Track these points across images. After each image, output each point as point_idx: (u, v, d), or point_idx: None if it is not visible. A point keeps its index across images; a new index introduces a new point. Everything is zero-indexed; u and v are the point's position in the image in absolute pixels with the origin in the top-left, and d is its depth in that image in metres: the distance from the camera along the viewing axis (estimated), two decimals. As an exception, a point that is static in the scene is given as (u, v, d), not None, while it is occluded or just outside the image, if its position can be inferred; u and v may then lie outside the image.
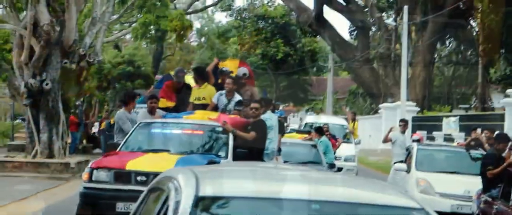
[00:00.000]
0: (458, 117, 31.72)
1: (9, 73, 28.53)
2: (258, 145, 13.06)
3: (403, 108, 35.55)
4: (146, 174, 11.11)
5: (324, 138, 19.41)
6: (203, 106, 14.75)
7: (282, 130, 16.68)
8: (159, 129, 13.50)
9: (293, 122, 48.65)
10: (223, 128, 13.09)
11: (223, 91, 14.88)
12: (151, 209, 5.28)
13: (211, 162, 10.89)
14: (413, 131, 32.16)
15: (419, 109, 40.30)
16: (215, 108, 14.75)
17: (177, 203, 4.55)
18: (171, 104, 15.14)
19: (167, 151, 12.52)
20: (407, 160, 17.49)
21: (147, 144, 13.04)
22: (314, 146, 18.94)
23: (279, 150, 17.08)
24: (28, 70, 23.82)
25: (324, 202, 4.62)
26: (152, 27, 33.12)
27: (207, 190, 4.65)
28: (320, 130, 19.89)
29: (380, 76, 47.18)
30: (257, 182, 5.05)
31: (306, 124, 30.14)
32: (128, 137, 13.09)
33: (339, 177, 5.84)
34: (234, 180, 5.15)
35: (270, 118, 14.22)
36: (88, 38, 26.11)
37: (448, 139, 30.61)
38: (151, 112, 14.21)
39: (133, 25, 36.23)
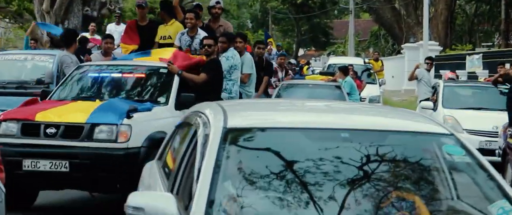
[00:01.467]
0: (481, 54, 31.45)
1: (30, 23, 28.59)
2: (210, 88, 11.20)
3: (426, 47, 35.25)
4: (57, 126, 9.41)
5: (348, 78, 18.94)
6: (170, 47, 12.70)
7: (268, 71, 15.77)
8: (96, 73, 11.54)
9: (317, 66, 48.46)
10: (167, 69, 11.13)
11: (185, 30, 12.81)
12: (180, 145, 5.30)
13: (132, 110, 9.52)
14: (436, 70, 31.93)
15: (441, 48, 40.01)
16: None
17: (206, 137, 4.56)
18: (134, 47, 13.18)
19: (98, 97, 10.75)
20: (433, 97, 17.37)
21: (79, 91, 11.22)
22: (338, 87, 18.17)
23: (266, 93, 16.53)
24: (49, 18, 23.86)
25: (354, 131, 4.61)
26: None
27: (235, 122, 4.65)
28: (345, 70, 19.30)
29: (402, 16, 46.79)
30: (284, 114, 5.04)
31: (329, 65, 29.65)
32: (62, 83, 11.43)
33: (368, 107, 5.80)
34: (261, 112, 5.14)
35: (232, 56, 12.41)
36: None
37: (472, 76, 30.38)
38: (106, 53, 12.62)
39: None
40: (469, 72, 31.56)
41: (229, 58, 12.35)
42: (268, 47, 26.71)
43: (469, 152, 4.60)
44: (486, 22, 50.41)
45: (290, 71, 20.72)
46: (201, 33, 12.53)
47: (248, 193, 4.20)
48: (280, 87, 17.62)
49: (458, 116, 15.78)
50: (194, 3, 14.62)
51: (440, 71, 30.95)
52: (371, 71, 27.93)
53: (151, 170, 6.03)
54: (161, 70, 11.21)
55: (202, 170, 4.22)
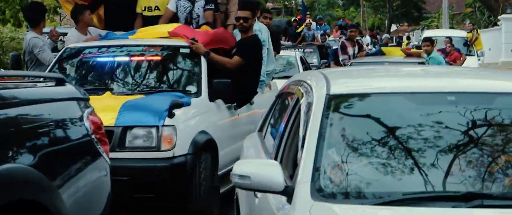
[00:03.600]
0: None
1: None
2: (246, 74, 9.17)
3: (524, 17, 34.53)
4: None
5: (435, 54, 16.09)
6: (157, 20, 10.12)
7: (277, 47, 12.26)
8: (94, 56, 9.14)
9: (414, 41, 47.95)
10: (191, 49, 8.89)
11: None
12: (282, 114, 5.30)
13: (174, 106, 7.55)
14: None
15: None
16: (173, 19, 10.11)
17: (309, 104, 4.55)
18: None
19: (109, 89, 8.55)
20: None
21: (80, 80, 8.84)
22: (423, 64, 14.91)
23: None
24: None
25: (460, 94, 4.53)
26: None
27: (338, 89, 4.63)
28: (430, 42, 16.34)
29: (498, -14, 45.78)
30: (388, 79, 4.99)
31: (425, 38, 28.80)
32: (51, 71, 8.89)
33: (470, 70, 5.70)
34: (364, 78, 5.10)
35: (259, 30, 9.86)
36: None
37: None
38: (82, 29, 9.88)
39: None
40: None
41: (256, 31, 9.71)
42: (307, 21, 26.39)
43: None
44: None
45: (364, 46, 19.21)
46: None
47: (353, 159, 4.17)
48: (349, 66, 14.85)
49: None
50: None
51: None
52: (469, 43, 27.40)
53: (252, 141, 6.04)
54: (182, 50, 8.98)
55: (306, 138, 4.21)
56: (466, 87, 4.62)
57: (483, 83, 4.80)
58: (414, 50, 17.55)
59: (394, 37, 50.65)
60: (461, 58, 20.37)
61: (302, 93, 4.83)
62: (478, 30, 24.56)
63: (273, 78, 10.98)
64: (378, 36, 36.95)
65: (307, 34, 26.03)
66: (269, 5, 65.02)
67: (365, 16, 73.81)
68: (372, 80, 4.96)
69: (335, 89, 4.57)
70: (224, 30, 9.79)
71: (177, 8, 10.07)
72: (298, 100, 4.86)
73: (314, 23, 27.41)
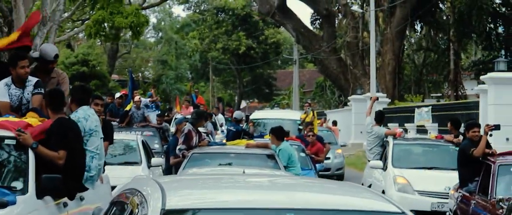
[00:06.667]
0: (430, 107, 31.91)
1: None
2: (72, 167, 8.57)
3: (373, 99, 35.66)
4: None
5: (285, 145, 14.49)
6: None
7: (110, 136, 11.58)
8: None
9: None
10: (17, 140, 8.32)
11: (9, 81, 9.65)
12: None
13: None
14: (385, 124, 32.27)
15: (389, 100, 40.50)
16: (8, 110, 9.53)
17: (143, 218, 4.51)
18: None
19: None
20: (382, 156, 17.31)
21: None
22: (272, 157, 13.96)
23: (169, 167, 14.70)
24: None
25: (299, 210, 4.60)
26: (106, 24, 32.93)
27: (174, 202, 4.61)
28: (279, 133, 14.67)
29: (348, 67, 47.30)
30: (226, 192, 5.02)
31: (253, 121, 24.53)
32: None
33: (312, 182, 5.81)
34: (201, 190, 5.11)
35: (84, 117, 9.16)
36: (38, 38, 25.84)
37: (421, 130, 30.76)
38: None
39: (86, 22, 35.99)
40: (418, 126, 31.95)
41: (81, 119, 9.07)
42: (137, 98, 23.31)
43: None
44: (435, 72, 51.24)
45: (204, 135, 16.66)
46: (31, 80, 9.66)
47: None
48: (189, 158, 13.87)
49: (409, 176, 15.79)
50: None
51: (388, 124, 31.23)
52: (300, 127, 23.94)
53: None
54: (7, 141, 8.38)
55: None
56: (305, 204, 4.70)
57: (323, 198, 4.90)
58: (261, 140, 16.52)
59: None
60: (325, 150, 18.81)
61: (137, 204, 4.79)
62: (314, 111, 23.29)
63: (105, 165, 10.31)
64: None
65: (136, 114, 22.77)
66: (115, 76, 64.84)
67: (215, 91, 74.70)
68: (211, 193, 4.97)
69: (171, 203, 4.55)
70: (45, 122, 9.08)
71: (9, 96, 9.61)
72: (132, 212, 4.82)
73: (144, 99, 24.34)
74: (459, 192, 13.17)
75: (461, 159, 13.13)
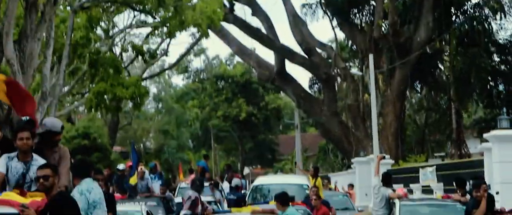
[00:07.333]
0: (435, 167, 31.80)
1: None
2: None
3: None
4: None
5: (290, 210, 14.41)
6: None
7: (113, 208, 11.94)
8: None
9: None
10: None
11: (13, 154, 9.75)
12: None
13: None
14: (391, 185, 32.09)
15: (393, 161, 40.39)
16: (3, 183, 9.65)
17: None
18: None
19: None
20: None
21: None
22: None
23: None
24: None
25: None
26: (106, 96, 33.07)
27: None
28: (283, 198, 14.52)
29: (350, 129, 47.29)
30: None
31: (255, 188, 24.24)
32: None
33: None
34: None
35: (88, 190, 9.40)
36: (39, 114, 25.89)
37: (427, 190, 30.62)
38: None
39: (86, 95, 36.12)
40: (423, 186, 31.81)
41: (84, 192, 9.33)
42: (140, 169, 23.25)
43: None
44: (437, 131, 51.25)
45: (206, 204, 16.51)
46: (38, 159, 9.71)
47: None
48: None
49: None
50: (25, 118, 11.17)
51: (394, 185, 31.09)
52: (307, 191, 22.39)
53: None
54: None
55: None
56: None
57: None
58: (266, 206, 16.28)
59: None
60: (330, 214, 18.56)
61: None
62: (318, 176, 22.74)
63: None
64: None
65: (140, 184, 22.99)
66: (117, 148, 64.85)
67: (217, 159, 74.61)
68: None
69: None
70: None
71: (7, 168, 9.62)
72: None
73: (147, 172, 24.03)
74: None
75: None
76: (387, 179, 18.34)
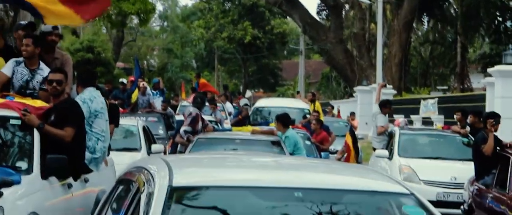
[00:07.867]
0: (436, 99, 31.84)
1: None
2: (72, 146, 8.57)
3: (379, 90, 35.57)
4: None
5: (290, 132, 14.34)
6: None
7: (116, 119, 11.81)
8: None
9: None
10: (22, 120, 8.36)
11: (21, 59, 9.63)
12: (121, 203, 5.21)
13: (2, 184, 7.37)
14: (390, 115, 32.16)
15: (395, 92, 40.40)
16: (8, 85, 9.58)
17: (150, 194, 4.50)
18: None
19: None
20: (388, 145, 17.28)
21: None
22: (277, 144, 13.88)
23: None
24: None
25: (307, 189, 4.58)
26: (112, 10, 32.87)
27: (181, 180, 4.60)
28: (285, 120, 14.58)
29: (355, 58, 47.22)
30: (234, 170, 5.00)
31: (256, 109, 24.92)
32: None
33: (320, 163, 5.78)
34: (208, 169, 5.10)
35: (90, 99, 9.28)
36: (43, 25, 25.83)
37: (427, 122, 30.72)
38: None
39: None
40: (423, 118, 31.90)
41: (86, 101, 9.21)
42: (141, 84, 22.99)
43: (430, 213, 4.60)
44: (442, 64, 51.17)
45: (207, 122, 16.15)
46: (44, 69, 9.61)
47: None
48: (194, 143, 13.93)
49: (415, 166, 15.77)
50: (24, 22, 10.96)
51: (394, 116, 31.18)
52: (308, 115, 22.54)
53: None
54: (12, 121, 8.42)
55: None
56: (313, 183, 4.68)
57: (331, 179, 4.87)
58: (266, 128, 16.20)
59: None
60: (330, 139, 18.51)
61: (144, 182, 4.78)
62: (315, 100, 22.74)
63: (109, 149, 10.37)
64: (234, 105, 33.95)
65: (142, 100, 22.65)
66: (120, 64, 64.86)
67: (220, 80, 74.66)
68: (218, 171, 4.96)
69: (178, 181, 4.54)
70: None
71: (13, 72, 9.56)
72: (139, 190, 4.80)
73: (148, 88, 23.76)
74: (475, 185, 12.95)
75: (476, 152, 12.91)
76: (385, 105, 18.26)
